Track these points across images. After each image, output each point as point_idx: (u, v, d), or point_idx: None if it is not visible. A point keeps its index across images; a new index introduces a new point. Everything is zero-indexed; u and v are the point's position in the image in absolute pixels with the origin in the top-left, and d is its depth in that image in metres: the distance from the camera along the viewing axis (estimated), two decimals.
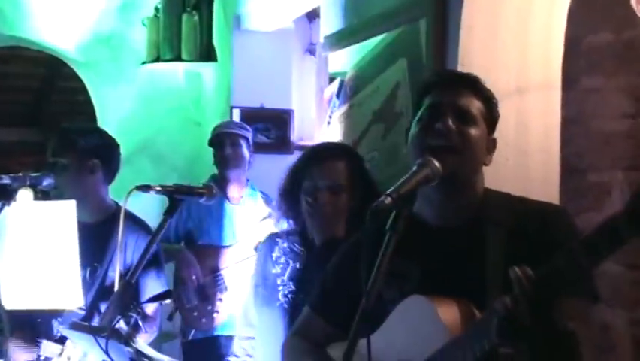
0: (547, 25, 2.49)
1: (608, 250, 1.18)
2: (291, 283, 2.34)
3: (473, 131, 1.60)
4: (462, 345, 1.42)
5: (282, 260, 2.38)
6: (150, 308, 2.56)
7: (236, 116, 4.55)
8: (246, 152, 3.72)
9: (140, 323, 2.03)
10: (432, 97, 1.64)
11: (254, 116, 4.53)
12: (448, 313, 1.48)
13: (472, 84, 1.67)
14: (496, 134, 1.70)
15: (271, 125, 4.63)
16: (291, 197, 2.33)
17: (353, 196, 2.25)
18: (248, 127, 3.86)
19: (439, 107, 1.61)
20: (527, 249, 1.48)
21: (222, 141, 3.71)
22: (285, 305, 2.33)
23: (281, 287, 2.35)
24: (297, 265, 2.34)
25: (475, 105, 1.62)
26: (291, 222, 2.38)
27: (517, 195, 1.70)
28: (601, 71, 2.93)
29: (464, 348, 1.41)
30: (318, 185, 2.25)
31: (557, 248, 1.27)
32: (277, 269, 2.37)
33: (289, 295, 2.33)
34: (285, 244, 2.38)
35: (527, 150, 2.47)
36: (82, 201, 2.55)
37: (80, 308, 2.41)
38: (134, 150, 4.79)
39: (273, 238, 2.44)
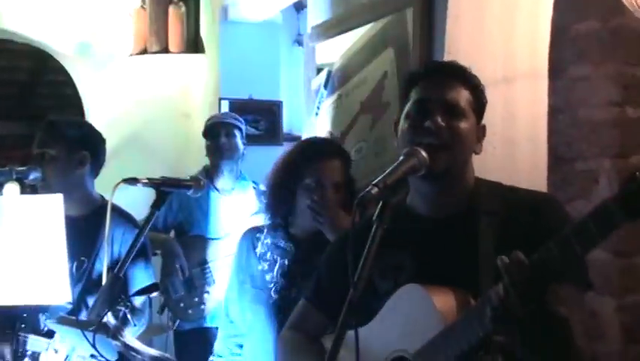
0: (534, 13, 2.49)
1: (601, 235, 1.19)
2: (282, 279, 2.32)
3: (463, 125, 1.60)
4: (456, 333, 1.42)
5: (268, 256, 2.36)
6: (138, 300, 2.55)
7: (224, 107, 4.54)
8: (239, 142, 3.72)
9: (129, 316, 2.02)
10: (419, 91, 1.63)
11: (243, 108, 4.53)
12: (444, 301, 1.48)
13: (459, 74, 1.66)
14: (483, 122, 1.70)
15: (260, 117, 4.63)
16: (285, 191, 2.32)
17: (346, 194, 2.29)
18: (241, 119, 3.85)
19: (427, 103, 1.60)
20: (519, 237, 1.47)
21: (217, 131, 3.70)
22: (279, 302, 2.31)
23: (272, 284, 2.34)
24: (285, 261, 2.33)
25: (463, 97, 1.62)
26: (278, 220, 2.37)
27: (507, 184, 1.71)
28: (588, 59, 2.93)
29: (458, 336, 1.41)
30: (323, 183, 2.26)
31: (549, 236, 1.28)
32: (264, 266, 2.36)
33: (281, 292, 2.32)
34: (269, 240, 2.37)
35: (515, 139, 2.48)
36: (68, 194, 2.53)
37: (68, 302, 2.40)
38: (122, 142, 4.77)
39: (253, 233, 2.42)
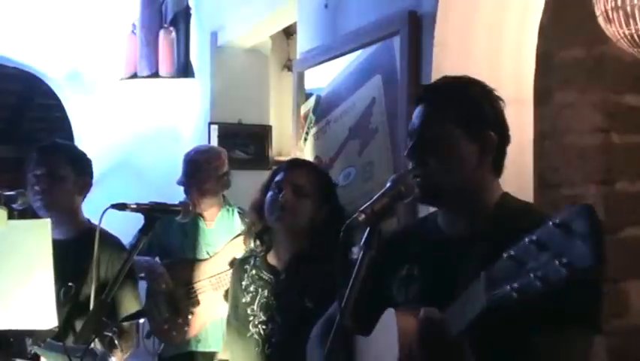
0: (519, 41, 2.53)
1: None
2: (260, 313, 2.32)
3: (444, 154, 1.57)
4: None
5: (252, 288, 2.36)
6: (126, 324, 2.54)
7: (214, 132, 4.55)
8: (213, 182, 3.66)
9: (116, 340, 2.01)
10: (413, 117, 1.63)
11: (232, 132, 4.55)
12: (406, 321, 1.46)
13: (442, 96, 1.62)
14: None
15: (249, 141, 4.65)
16: (261, 210, 2.34)
17: (319, 211, 2.29)
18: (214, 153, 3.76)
19: (411, 135, 1.61)
20: None
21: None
22: (256, 336, 2.31)
23: (251, 317, 2.33)
24: (265, 293, 2.33)
25: (443, 127, 1.57)
26: (258, 243, 2.38)
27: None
28: (574, 86, 2.97)
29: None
30: (283, 182, 2.29)
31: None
32: (247, 298, 2.36)
33: (259, 326, 2.31)
34: (254, 271, 2.37)
35: None
36: (62, 217, 2.55)
37: (54, 326, 2.38)
38: (111, 166, 4.77)
39: (242, 265, 2.43)
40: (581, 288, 1.37)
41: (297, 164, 2.45)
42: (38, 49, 4.97)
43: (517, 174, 2.52)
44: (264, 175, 3.41)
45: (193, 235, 3.65)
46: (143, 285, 3.49)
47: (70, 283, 2.51)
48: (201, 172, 3.58)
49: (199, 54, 4.77)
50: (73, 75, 5.04)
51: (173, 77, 4.76)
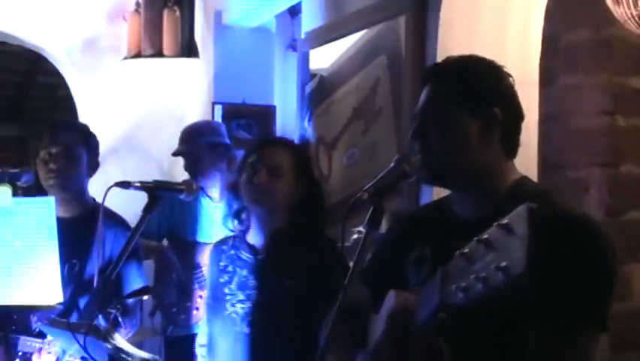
0: (525, 23, 2.52)
1: None
2: (239, 292, 2.30)
3: (440, 134, 1.53)
4: None
5: (230, 268, 2.34)
6: (130, 302, 2.56)
7: (218, 111, 4.54)
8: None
9: (120, 318, 2.03)
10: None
11: (236, 112, 4.53)
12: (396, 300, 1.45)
13: (442, 75, 1.59)
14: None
15: (253, 122, 4.62)
16: (238, 190, 2.31)
17: (296, 188, 2.27)
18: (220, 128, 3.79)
19: (415, 118, 1.58)
20: None
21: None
22: (234, 315, 2.28)
23: (229, 297, 2.30)
24: (244, 272, 2.30)
25: (442, 106, 1.53)
26: (236, 223, 2.35)
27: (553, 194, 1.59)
28: (579, 69, 2.96)
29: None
30: (258, 163, 2.25)
31: (560, 261, 1.24)
32: (225, 278, 2.33)
33: (237, 305, 2.28)
34: (232, 252, 2.35)
35: None
36: (71, 195, 2.56)
37: (59, 304, 2.40)
38: (115, 145, 4.77)
39: (219, 246, 2.41)
40: (586, 279, 1.36)
41: (269, 143, 2.40)
42: (42, 26, 4.94)
43: (522, 156, 2.52)
44: None
45: (201, 215, 3.65)
46: (150, 264, 3.51)
47: (74, 260, 2.53)
48: (191, 140, 3.63)
49: (203, 33, 4.75)
50: (76, 54, 5.02)
51: (177, 56, 4.75)
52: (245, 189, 2.26)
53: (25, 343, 2.38)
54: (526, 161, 2.48)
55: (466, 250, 1.12)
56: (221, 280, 2.34)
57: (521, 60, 2.51)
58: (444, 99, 1.53)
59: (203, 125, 3.80)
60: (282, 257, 2.25)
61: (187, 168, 3.65)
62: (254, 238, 2.33)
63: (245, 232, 2.34)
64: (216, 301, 2.34)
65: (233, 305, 2.29)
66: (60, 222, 2.39)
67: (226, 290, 2.32)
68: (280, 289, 2.21)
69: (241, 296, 2.28)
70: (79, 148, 2.61)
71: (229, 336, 2.28)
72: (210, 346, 2.36)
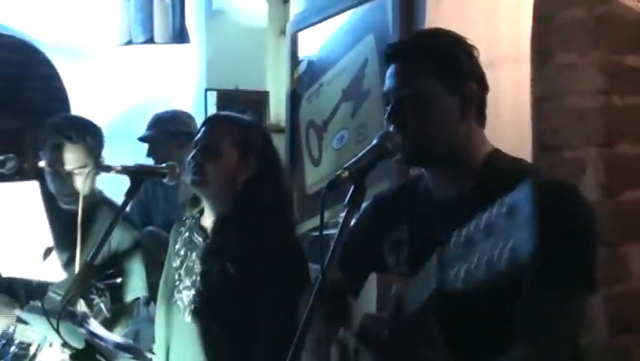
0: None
1: None
2: (186, 278, 2.16)
3: (423, 108, 1.50)
4: None
5: (182, 252, 2.21)
6: (130, 301, 2.63)
7: (211, 98, 4.51)
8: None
9: (103, 306, 2.00)
10: (386, 79, 1.56)
11: (229, 98, 4.49)
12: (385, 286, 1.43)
13: (419, 49, 1.55)
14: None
15: (246, 108, 4.59)
16: None
17: (240, 169, 2.12)
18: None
19: (387, 96, 1.55)
20: None
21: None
22: (179, 303, 2.15)
23: (177, 282, 2.18)
24: (193, 256, 2.18)
25: (422, 79, 1.51)
26: (193, 208, 2.26)
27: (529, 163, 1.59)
28: (574, 47, 2.90)
29: None
30: (194, 145, 2.15)
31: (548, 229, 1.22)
32: (177, 262, 2.21)
33: (183, 291, 2.15)
34: (187, 234, 2.22)
35: (498, 124, 2.44)
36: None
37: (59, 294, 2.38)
38: (107, 133, 4.71)
39: (178, 228, 2.28)
40: (572, 243, 1.35)
41: (209, 121, 2.26)
42: (32, 16, 4.91)
43: (515, 135, 2.48)
44: None
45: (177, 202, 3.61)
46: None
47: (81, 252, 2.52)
48: (152, 127, 3.80)
49: (194, 19, 4.70)
50: (68, 43, 4.99)
51: (168, 42, 4.72)
52: (185, 170, 2.15)
53: (22, 332, 2.35)
54: (520, 139, 2.45)
55: (464, 233, 1.08)
56: (174, 265, 2.22)
57: (513, 37, 2.47)
58: (420, 75, 1.51)
59: (167, 114, 3.87)
60: (226, 242, 2.10)
61: (148, 154, 3.74)
62: (206, 220, 2.20)
63: (201, 213, 2.23)
64: (165, 288, 2.23)
65: (179, 292, 2.16)
66: (63, 214, 2.44)
67: (176, 276, 2.19)
68: (221, 276, 2.06)
69: (187, 283, 2.15)
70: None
71: (173, 325, 2.16)
72: (157, 338, 2.25)
